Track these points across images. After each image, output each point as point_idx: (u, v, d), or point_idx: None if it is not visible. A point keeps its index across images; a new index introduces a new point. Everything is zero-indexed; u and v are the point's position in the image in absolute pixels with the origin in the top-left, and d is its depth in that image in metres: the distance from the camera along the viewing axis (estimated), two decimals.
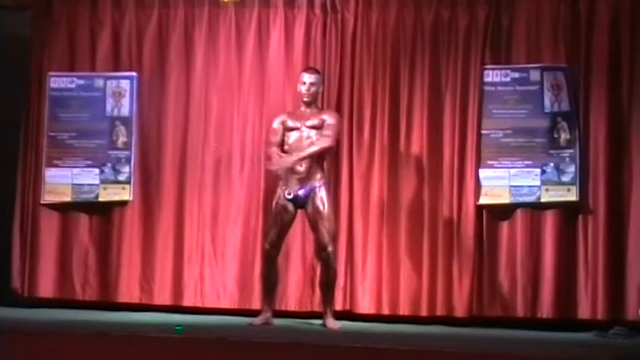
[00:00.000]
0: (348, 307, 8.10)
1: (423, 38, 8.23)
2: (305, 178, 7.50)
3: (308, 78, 7.65)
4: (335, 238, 7.69)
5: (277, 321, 7.68)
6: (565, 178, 7.97)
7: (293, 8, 8.40)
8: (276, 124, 7.69)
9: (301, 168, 7.49)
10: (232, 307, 8.21)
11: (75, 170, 8.47)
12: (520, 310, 7.94)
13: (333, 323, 7.52)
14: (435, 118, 8.16)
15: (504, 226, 8.05)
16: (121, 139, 8.45)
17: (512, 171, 8.04)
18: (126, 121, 8.47)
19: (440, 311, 8.02)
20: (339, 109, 8.16)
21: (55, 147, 8.49)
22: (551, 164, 7.99)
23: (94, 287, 8.39)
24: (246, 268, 8.23)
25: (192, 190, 8.36)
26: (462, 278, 8.00)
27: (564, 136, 7.98)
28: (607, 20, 7.97)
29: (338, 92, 8.27)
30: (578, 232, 7.93)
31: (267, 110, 8.24)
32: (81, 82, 8.54)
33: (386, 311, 8.08)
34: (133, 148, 8.43)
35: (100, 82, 8.51)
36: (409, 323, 7.92)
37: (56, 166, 8.49)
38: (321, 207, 7.49)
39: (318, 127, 7.57)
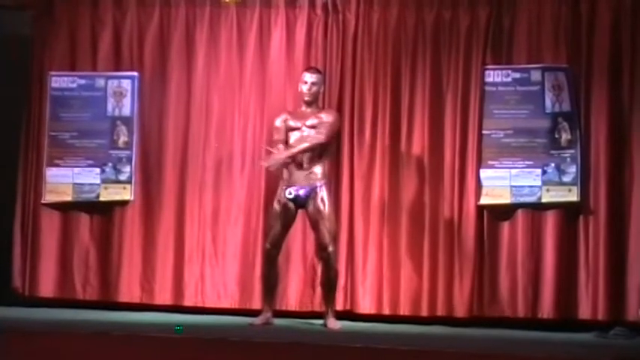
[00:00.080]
0: (348, 307, 8.10)
1: (424, 38, 8.23)
2: (307, 177, 7.50)
3: (309, 77, 7.65)
4: (336, 238, 7.69)
5: (278, 321, 7.69)
6: (566, 179, 7.97)
7: (294, 8, 8.40)
8: (278, 122, 7.69)
9: (304, 166, 7.50)
10: (233, 307, 8.21)
11: (76, 170, 8.47)
12: (521, 311, 7.94)
13: (333, 323, 7.52)
14: (436, 118, 8.16)
15: (505, 226, 8.05)
16: (122, 139, 8.45)
17: (513, 171, 8.04)
18: (127, 121, 8.47)
19: (440, 311, 8.02)
20: (340, 110, 8.16)
21: (56, 146, 8.50)
22: (552, 164, 7.99)
23: (94, 287, 8.40)
24: (246, 268, 8.23)
25: (193, 190, 8.36)
26: (463, 278, 8.00)
27: (565, 136, 7.98)
28: (608, 21, 7.97)
29: (339, 92, 8.27)
30: (579, 233, 7.93)
31: (268, 110, 8.24)
32: (82, 81, 8.54)
33: (386, 311, 8.08)
34: (134, 148, 8.43)
35: (101, 82, 8.52)
36: (410, 323, 7.93)
37: (57, 165, 8.49)
38: (321, 207, 7.49)
39: (317, 127, 7.57)
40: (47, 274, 8.43)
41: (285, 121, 7.67)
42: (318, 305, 7.94)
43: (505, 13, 8.14)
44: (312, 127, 7.57)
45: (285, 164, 7.53)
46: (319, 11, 8.37)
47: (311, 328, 7.62)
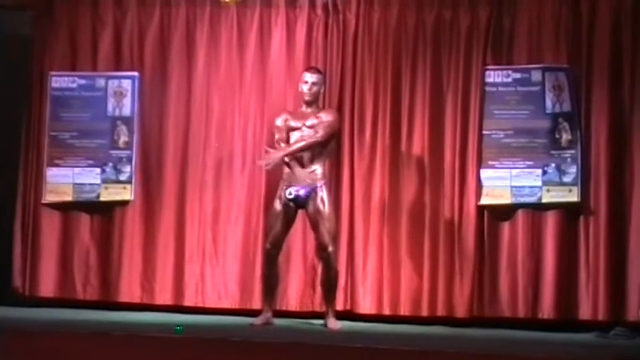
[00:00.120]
0: (349, 307, 8.10)
1: (424, 39, 8.23)
2: (307, 177, 7.50)
3: (310, 77, 7.65)
4: (335, 239, 7.69)
5: (278, 321, 7.69)
6: (566, 179, 7.96)
7: (295, 8, 8.40)
8: (279, 121, 7.70)
9: (304, 166, 7.50)
10: (233, 307, 8.21)
11: (76, 170, 8.47)
12: (521, 311, 7.93)
13: (333, 323, 7.52)
14: (436, 118, 8.16)
15: (505, 226, 8.05)
16: (123, 139, 8.45)
17: (514, 171, 8.04)
18: (127, 121, 8.47)
19: (441, 311, 8.01)
20: (340, 110, 8.16)
21: (56, 146, 8.50)
22: (553, 165, 7.99)
23: (95, 287, 8.40)
24: (247, 268, 8.23)
25: (194, 190, 8.36)
26: (463, 278, 7.99)
27: (566, 136, 7.98)
28: (608, 21, 7.96)
29: (339, 93, 8.27)
30: (579, 233, 7.93)
31: (269, 110, 8.24)
32: (82, 81, 8.54)
33: (387, 311, 8.08)
34: (134, 148, 8.43)
35: (101, 82, 8.51)
36: (410, 323, 7.92)
37: (57, 165, 8.49)
38: (321, 207, 7.49)
39: (315, 126, 7.57)
40: (47, 273, 8.43)
41: (285, 120, 7.67)
42: (318, 305, 7.94)
43: (505, 13, 8.13)
44: (312, 127, 7.57)
45: (283, 163, 7.53)
46: (319, 11, 8.37)
47: (311, 328, 7.62)
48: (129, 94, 8.47)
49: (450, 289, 8.01)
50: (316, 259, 7.89)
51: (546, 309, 7.90)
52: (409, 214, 8.11)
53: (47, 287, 8.43)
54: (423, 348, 6.46)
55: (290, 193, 7.52)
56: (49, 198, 8.48)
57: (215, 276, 8.29)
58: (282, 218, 7.56)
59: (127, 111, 8.48)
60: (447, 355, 6.28)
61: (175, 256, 8.34)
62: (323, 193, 7.53)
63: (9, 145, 8.53)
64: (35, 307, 8.19)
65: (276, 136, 7.69)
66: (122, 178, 8.42)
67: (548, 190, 7.99)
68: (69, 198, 8.47)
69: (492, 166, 8.07)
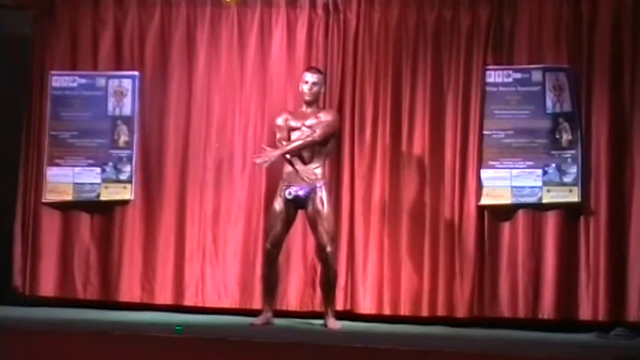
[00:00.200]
0: (349, 307, 8.10)
1: (425, 38, 8.23)
2: (307, 177, 7.50)
3: (310, 77, 7.65)
4: (334, 239, 7.68)
5: (278, 321, 7.69)
6: (567, 179, 7.96)
7: (295, 8, 8.40)
8: (280, 121, 7.70)
9: (304, 166, 7.50)
10: (233, 306, 8.21)
11: (76, 169, 8.47)
12: (521, 311, 7.93)
13: (333, 323, 7.52)
14: (436, 118, 8.16)
15: (506, 226, 8.05)
16: (123, 139, 8.45)
17: (514, 172, 8.04)
18: (127, 121, 8.47)
19: (441, 311, 8.01)
20: (340, 109, 8.16)
21: (56, 146, 8.50)
22: (553, 165, 7.98)
23: (95, 286, 8.40)
24: (247, 268, 8.23)
25: (194, 190, 8.36)
26: (463, 279, 7.99)
27: (566, 136, 7.97)
28: (609, 21, 7.96)
29: (340, 92, 8.27)
30: (579, 233, 7.92)
31: (269, 110, 8.24)
32: (83, 81, 8.54)
33: (387, 311, 8.08)
34: (134, 148, 8.43)
35: (101, 82, 8.52)
36: (410, 323, 7.92)
37: (58, 165, 8.49)
38: (320, 207, 7.49)
39: (314, 126, 7.57)
40: (48, 273, 8.43)
41: (286, 120, 7.67)
42: (318, 305, 7.94)
43: (506, 13, 8.13)
44: (311, 127, 7.57)
45: (285, 160, 7.53)
46: (320, 11, 8.37)
47: (311, 328, 7.62)
48: (129, 94, 8.47)
49: (450, 289, 8.01)
50: (316, 259, 7.89)
51: (546, 309, 7.90)
52: (409, 214, 8.11)
53: (47, 287, 8.43)
54: (423, 348, 6.45)
55: (289, 194, 7.52)
56: (49, 197, 8.48)
57: (215, 276, 8.29)
58: (282, 218, 7.56)
59: (127, 110, 8.48)
60: (447, 355, 6.28)
61: (175, 256, 8.34)
62: (322, 194, 7.52)
63: (9, 144, 8.53)
64: (35, 306, 8.20)
65: (278, 135, 7.69)
66: (122, 177, 8.43)
67: (548, 191, 7.98)
68: (69, 197, 8.47)
69: (493, 166, 8.06)
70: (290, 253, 8.09)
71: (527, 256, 7.97)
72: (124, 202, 8.43)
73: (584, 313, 7.84)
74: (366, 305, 8.10)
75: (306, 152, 7.56)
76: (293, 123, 7.64)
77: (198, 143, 8.39)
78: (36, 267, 8.45)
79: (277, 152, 7.55)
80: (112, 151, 8.45)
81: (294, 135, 7.61)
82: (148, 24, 8.53)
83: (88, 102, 8.51)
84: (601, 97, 7.94)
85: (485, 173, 8.07)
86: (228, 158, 8.36)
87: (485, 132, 8.09)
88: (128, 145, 8.44)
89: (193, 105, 8.44)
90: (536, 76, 8.03)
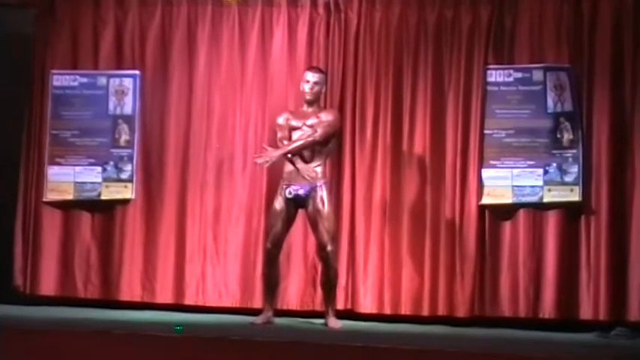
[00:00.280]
0: (349, 307, 8.10)
1: (426, 38, 8.22)
2: (307, 177, 7.49)
3: (312, 77, 7.65)
4: (335, 238, 7.68)
5: (279, 320, 7.69)
6: (568, 179, 7.96)
7: (296, 7, 8.40)
8: (281, 120, 7.70)
9: (305, 165, 7.50)
10: (234, 306, 8.21)
11: (77, 168, 8.47)
12: (522, 311, 7.93)
13: (334, 322, 7.51)
14: (437, 117, 8.16)
15: (507, 226, 8.05)
16: (124, 138, 8.45)
17: (515, 171, 8.04)
18: (128, 120, 8.47)
19: (441, 311, 8.01)
20: (341, 109, 8.16)
21: (57, 145, 8.50)
22: (554, 164, 7.98)
23: (95, 285, 8.40)
24: (247, 267, 8.23)
25: (195, 189, 8.36)
26: (464, 278, 7.99)
27: (567, 136, 7.97)
28: (610, 20, 7.96)
29: (341, 92, 8.26)
30: (580, 233, 7.92)
31: (270, 109, 8.24)
32: (84, 80, 8.54)
33: (387, 311, 8.07)
34: (135, 147, 8.43)
35: (102, 81, 8.52)
36: (411, 323, 7.92)
37: (59, 164, 8.49)
38: (321, 206, 7.49)
39: (315, 126, 7.57)
40: (48, 272, 8.43)
41: (287, 119, 7.67)
42: (319, 304, 7.93)
43: (507, 12, 8.13)
44: (312, 126, 7.57)
45: (286, 159, 7.53)
46: (321, 10, 8.36)
47: (312, 328, 7.62)
48: (130, 93, 8.48)
49: (450, 289, 8.00)
50: (317, 259, 7.89)
51: (547, 309, 7.89)
52: (410, 214, 8.11)
53: (48, 285, 8.43)
54: (424, 347, 6.45)
55: (290, 193, 7.52)
56: (50, 196, 8.48)
57: (216, 275, 8.29)
58: (283, 217, 7.56)
59: (128, 109, 8.48)
60: (447, 354, 6.27)
61: (176, 255, 8.34)
62: (323, 193, 7.52)
63: (10, 143, 8.53)
64: (36, 305, 8.19)
65: (279, 134, 7.69)
66: (123, 176, 8.43)
67: (549, 190, 7.98)
68: (70, 196, 8.47)
69: (494, 166, 8.06)
70: (291, 253, 8.09)
71: (528, 255, 7.97)
72: (125, 201, 8.43)
73: (585, 312, 7.83)
74: (366, 304, 8.10)
75: (307, 151, 7.56)
76: (294, 122, 7.63)
77: (199, 142, 8.39)
78: (37, 266, 8.45)
79: (278, 152, 7.55)
80: (112, 150, 8.46)
81: (295, 134, 7.60)
82: (148, 23, 8.53)
83: (89, 101, 8.51)
84: (602, 96, 7.94)
85: (486, 173, 8.07)
86: (229, 157, 8.36)
87: (486, 131, 8.08)
88: (129, 144, 8.44)
89: (194, 104, 8.44)
90: (537, 75, 8.03)
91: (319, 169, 7.56)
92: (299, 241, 8.12)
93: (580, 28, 8.00)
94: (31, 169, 8.53)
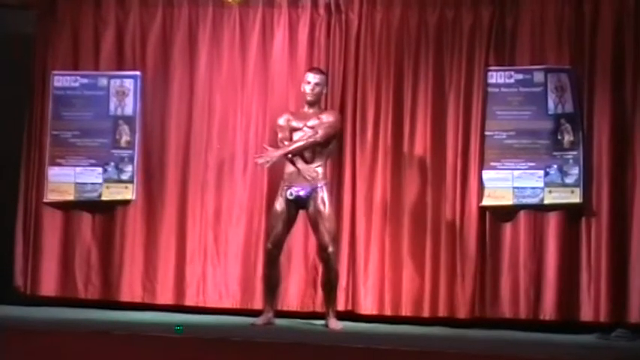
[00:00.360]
0: (350, 308, 8.10)
1: (427, 39, 8.22)
2: (308, 178, 7.50)
3: (313, 78, 7.65)
4: (335, 239, 7.68)
5: (279, 321, 7.68)
6: (568, 180, 7.96)
7: (297, 8, 8.40)
8: (282, 121, 7.70)
9: (306, 166, 7.50)
10: (234, 307, 8.21)
11: (78, 169, 8.48)
12: (522, 312, 7.93)
13: (335, 324, 7.51)
14: (438, 119, 8.16)
15: (507, 227, 8.05)
16: (124, 138, 8.45)
17: (516, 172, 8.04)
18: (129, 120, 8.47)
19: (442, 312, 8.01)
20: (342, 110, 8.16)
21: (58, 146, 8.50)
22: (555, 166, 7.98)
23: (96, 286, 8.40)
24: (248, 268, 8.23)
25: (195, 190, 8.36)
26: (465, 279, 7.99)
27: (568, 137, 7.97)
28: (611, 22, 7.95)
29: (342, 93, 8.27)
30: (581, 234, 7.91)
31: (271, 110, 8.24)
32: (84, 80, 8.55)
33: (388, 312, 8.07)
34: (136, 148, 8.43)
35: (103, 81, 8.52)
36: (411, 324, 7.92)
37: (59, 164, 8.50)
38: (322, 207, 7.49)
39: (316, 127, 7.57)
40: (49, 273, 8.44)
41: (288, 120, 7.68)
42: (319, 305, 7.93)
43: (508, 13, 8.13)
44: (313, 127, 7.57)
45: (287, 160, 7.53)
46: (322, 11, 8.36)
47: (312, 329, 7.62)
48: (131, 94, 8.48)
49: (451, 290, 8.00)
50: (317, 260, 7.89)
51: (548, 310, 7.89)
52: (411, 215, 8.11)
53: (48, 286, 8.43)
54: (424, 349, 6.45)
55: (291, 194, 7.52)
56: (50, 197, 8.49)
57: (216, 276, 8.29)
58: (284, 218, 7.56)
59: (129, 110, 8.48)
60: (448, 355, 6.28)
61: (177, 256, 8.34)
62: (324, 194, 7.52)
63: (11, 143, 8.53)
64: (36, 306, 8.19)
65: (279, 135, 7.69)
66: (124, 177, 8.43)
67: (550, 192, 7.98)
68: (70, 197, 8.47)
69: (494, 167, 8.06)
70: (291, 254, 8.09)
71: (528, 257, 7.97)
72: (126, 202, 8.43)
73: (586, 314, 7.83)
74: (367, 306, 8.10)
75: (308, 152, 7.56)
76: (295, 123, 7.64)
77: (200, 143, 8.39)
78: (37, 267, 8.45)
79: (279, 152, 7.56)
80: (113, 151, 8.46)
81: (296, 135, 7.60)
82: (149, 24, 8.53)
83: (90, 102, 8.51)
84: (603, 98, 7.93)
85: (486, 174, 8.06)
86: (230, 158, 8.36)
87: (486, 133, 8.08)
88: (130, 144, 8.44)
89: (195, 105, 8.44)
90: (538, 77, 8.03)
91: (320, 170, 7.56)
92: (300, 242, 8.12)
93: (581, 30, 8.00)
94: (31, 170, 8.53)
